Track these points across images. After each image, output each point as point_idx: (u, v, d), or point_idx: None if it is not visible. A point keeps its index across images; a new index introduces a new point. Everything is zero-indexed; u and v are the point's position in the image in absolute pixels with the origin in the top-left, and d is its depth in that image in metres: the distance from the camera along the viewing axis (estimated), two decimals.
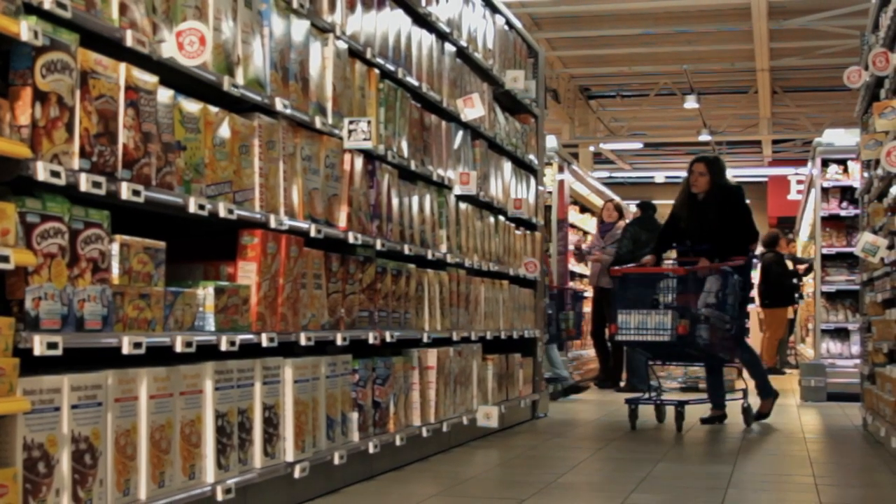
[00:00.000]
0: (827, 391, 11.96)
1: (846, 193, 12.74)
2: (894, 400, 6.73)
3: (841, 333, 12.60)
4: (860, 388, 9.58)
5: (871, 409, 8.37)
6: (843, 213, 12.70)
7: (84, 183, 3.42)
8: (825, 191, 12.80)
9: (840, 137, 12.96)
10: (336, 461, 5.22)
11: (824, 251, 12.69)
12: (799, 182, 25.11)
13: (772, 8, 16.60)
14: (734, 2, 16.50)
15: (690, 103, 21.55)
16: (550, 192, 13.05)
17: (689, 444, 7.71)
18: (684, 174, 9.24)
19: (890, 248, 6.88)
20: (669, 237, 9.37)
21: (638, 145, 28.03)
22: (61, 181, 3.30)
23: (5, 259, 3.02)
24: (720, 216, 8.81)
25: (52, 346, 3.23)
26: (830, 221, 12.87)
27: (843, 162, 12.81)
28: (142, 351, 3.67)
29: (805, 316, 18.18)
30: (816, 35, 18.10)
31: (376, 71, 6.04)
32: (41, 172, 3.22)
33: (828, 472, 6.65)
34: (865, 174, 9.59)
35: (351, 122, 5.46)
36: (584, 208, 17.23)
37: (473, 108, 7.42)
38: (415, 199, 6.59)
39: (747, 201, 9.06)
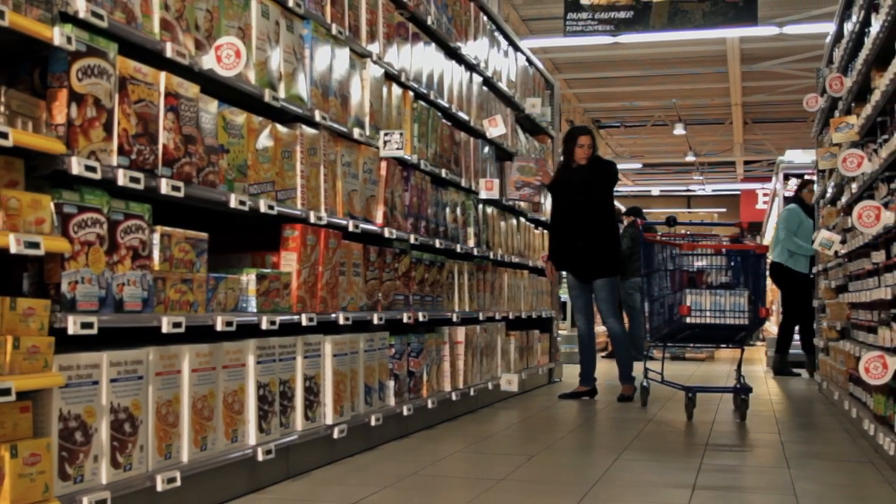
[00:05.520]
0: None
1: None
2: (846, 369, 6.23)
3: None
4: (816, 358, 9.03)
5: (825, 376, 7.90)
6: None
7: (122, 178, 2.87)
8: (787, 199, 12.43)
9: (799, 157, 12.91)
10: (373, 423, 4.67)
11: None
12: (765, 195, 24.73)
13: (743, 55, 16.34)
14: (713, 49, 16.09)
15: (678, 131, 21.10)
16: None
17: (675, 408, 7.10)
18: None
19: (842, 243, 6.35)
20: None
21: (637, 165, 27.49)
22: (97, 175, 2.76)
23: (36, 245, 2.49)
24: (602, 190, 7.09)
25: (86, 325, 2.69)
26: None
27: (801, 176, 12.48)
28: (181, 330, 3.12)
29: (770, 300, 17.58)
30: (779, 76, 17.70)
31: (410, 93, 5.48)
32: (75, 167, 2.68)
33: (790, 429, 6.04)
34: (818, 187, 9.03)
35: (386, 134, 4.92)
36: None
37: (497, 127, 6.90)
38: (446, 202, 6.04)
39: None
